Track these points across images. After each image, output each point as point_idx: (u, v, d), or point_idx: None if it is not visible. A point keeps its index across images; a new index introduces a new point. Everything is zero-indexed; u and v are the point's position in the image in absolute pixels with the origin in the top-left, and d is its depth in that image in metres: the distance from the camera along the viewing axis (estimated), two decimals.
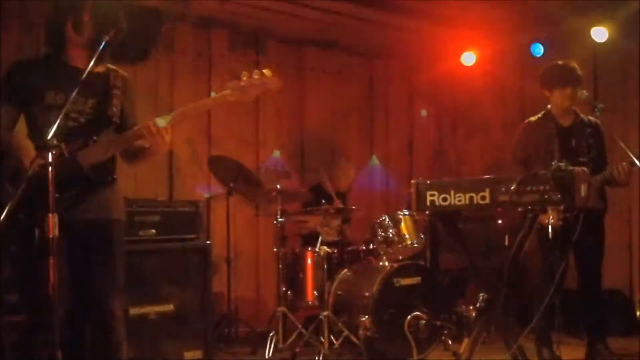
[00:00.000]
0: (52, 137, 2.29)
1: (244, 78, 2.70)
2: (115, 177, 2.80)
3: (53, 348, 2.32)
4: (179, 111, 2.81)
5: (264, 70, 2.71)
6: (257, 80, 2.69)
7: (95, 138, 2.69)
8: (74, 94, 2.49)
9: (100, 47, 2.57)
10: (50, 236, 2.21)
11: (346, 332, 4.40)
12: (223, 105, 2.81)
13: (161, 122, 2.68)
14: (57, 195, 2.30)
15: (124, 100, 2.86)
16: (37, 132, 2.66)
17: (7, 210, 2.16)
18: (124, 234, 2.89)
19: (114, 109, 2.79)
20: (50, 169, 2.23)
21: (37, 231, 2.44)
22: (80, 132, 2.67)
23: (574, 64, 4.22)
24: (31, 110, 2.72)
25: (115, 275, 2.79)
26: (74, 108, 2.67)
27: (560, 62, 4.27)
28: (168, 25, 5.44)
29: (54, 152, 2.25)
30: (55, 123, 2.36)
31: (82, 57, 2.75)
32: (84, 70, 2.57)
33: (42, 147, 2.29)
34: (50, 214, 2.23)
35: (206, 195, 5.64)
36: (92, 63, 2.56)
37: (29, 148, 2.62)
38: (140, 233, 4.38)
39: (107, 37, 2.60)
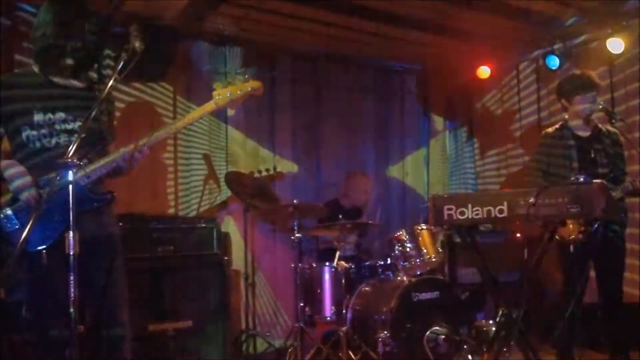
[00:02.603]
0: (72, 155, 2.30)
1: (228, 87, 2.87)
2: (114, 195, 2.80)
3: None
4: (174, 126, 2.87)
5: (246, 76, 2.95)
6: (240, 87, 2.89)
7: (89, 156, 2.70)
8: (92, 113, 2.50)
9: (119, 67, 2.60)
10: (72, 253, 2.23)
11: (365, 348, 4.37)
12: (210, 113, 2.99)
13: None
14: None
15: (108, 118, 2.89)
16: (24, 151, 2.67)
17: (28, 231, 2.17)
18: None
19: (104, 127, 2.81)
20: (71, 187, 2.25)
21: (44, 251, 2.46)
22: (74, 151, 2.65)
23: (592, 73, 4.22)
24: (19, 129, 2.70)
25: (124, 291, 2.82)
26: (64, 127, 2.70)
27: (577, 72, 4.28)
28: (184, 43, 5.50)
29: (74, 170, 2.27)
30: (74, 142, 2.37)
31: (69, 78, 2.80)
32: (71, 89, 2.75)
33: (62, 166, 2.30)
34: (70, 232, 2.25)
35: (224, 211, 5.66)
36: (110, 83, 2.58)
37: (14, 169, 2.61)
38: (159, 249, 4.41)
39: (124, 57, 2.62)
